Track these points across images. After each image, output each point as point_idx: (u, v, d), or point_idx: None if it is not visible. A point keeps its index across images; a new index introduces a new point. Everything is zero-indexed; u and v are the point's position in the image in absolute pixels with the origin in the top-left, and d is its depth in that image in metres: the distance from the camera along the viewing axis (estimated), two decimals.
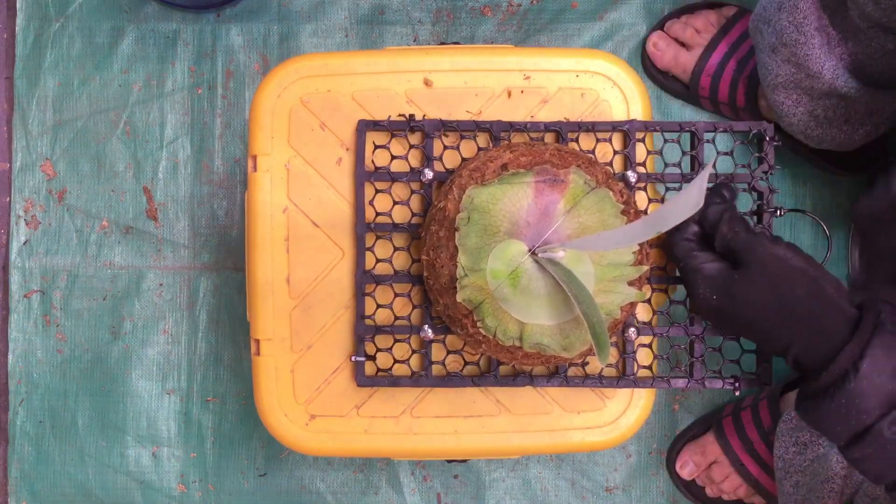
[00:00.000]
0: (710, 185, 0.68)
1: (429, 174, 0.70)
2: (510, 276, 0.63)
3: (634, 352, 0.71)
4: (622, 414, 0.73)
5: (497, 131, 0.70)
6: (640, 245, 0.65)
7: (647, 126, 0.71)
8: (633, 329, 0.70)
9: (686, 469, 0.99)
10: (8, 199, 1.03)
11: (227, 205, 1.03)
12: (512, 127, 0.70)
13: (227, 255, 1.03)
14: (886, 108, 0.84)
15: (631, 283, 0.65)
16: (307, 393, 0.72)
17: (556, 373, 0.71)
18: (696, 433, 1.00)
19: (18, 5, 1.03)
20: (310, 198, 0.71)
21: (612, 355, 0.71)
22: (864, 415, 0.60)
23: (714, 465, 0.98)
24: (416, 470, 1.03)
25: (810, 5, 0.79)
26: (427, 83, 0.71)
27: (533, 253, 0.63)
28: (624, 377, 0.71)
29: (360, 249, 0.70)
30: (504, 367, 0.71)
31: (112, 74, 1.03)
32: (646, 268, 0.65)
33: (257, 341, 0.71)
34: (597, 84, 0.72)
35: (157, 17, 1.03)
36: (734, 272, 0.63)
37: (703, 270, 0.64)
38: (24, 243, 1.03)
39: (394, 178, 0.70)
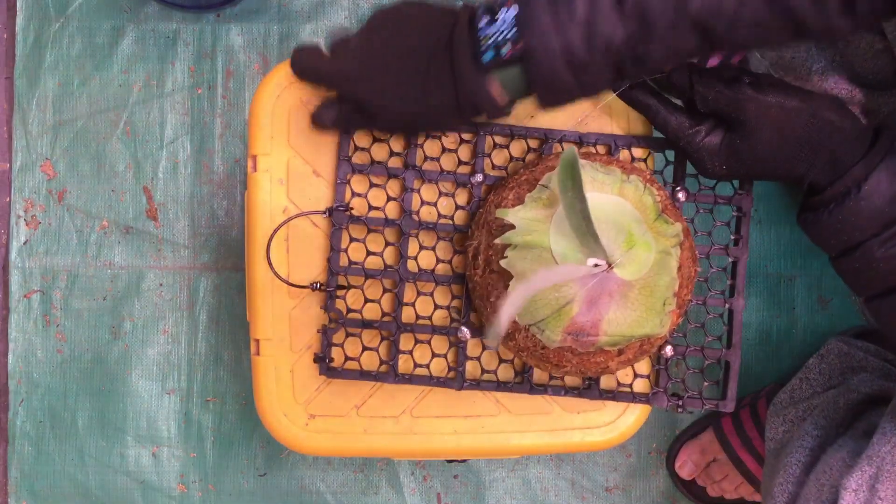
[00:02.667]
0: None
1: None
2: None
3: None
4: (622, 414, 0.73)
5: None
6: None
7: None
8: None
9: (685, 468, 0.99)
10: (8, 199, 1.03)
11: (227, 205, 1.03)
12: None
13: (227, 255, 1.03)
14: (882, 107, 0.84)
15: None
16: (307, 393, 0.72)
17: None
18: (696, 432, 1.00)
19: (18, 5, 1.03)
20: (310, 198, 0.71)
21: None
22: (857, 232, 0.63)
23: (713, 464, 0.98)
24: (416, 470, 1.03)
25: None
26: None
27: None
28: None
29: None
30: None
31: (112, 74, 1.03)
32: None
33: (257, 341, 0.71)
34: None
35: (157, 17, 1.03)
36: (734, 136, 0.63)
37: (704, 148, 0.64)
38: (24, 243, 1.03)
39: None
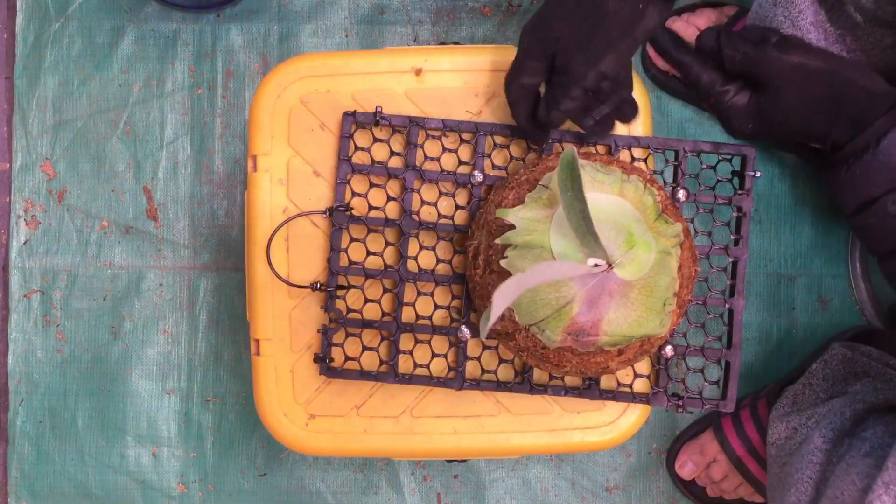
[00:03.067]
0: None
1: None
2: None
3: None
4: (622, 414, 0.73)
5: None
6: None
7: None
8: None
9: (685, 469, 0.99)
10: (8, 199, 1.03)
11: (227, 205, 1.03)
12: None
13: (227, 255, 1.03)
14: None
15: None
16: (307, 393, 0.72)
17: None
18: (696, 432, 1.00)
19: (18, 5, 1.03)
20: (310, 198, 0.71)
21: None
22: (872, 186, 0.64)
23: (713, 464, 0.98)
24: (416, 470, 1.03)
25: (805, 0, 0.80)
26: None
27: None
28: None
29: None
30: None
31: (112, 74, 1.03)
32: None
33: (257, 341, 0.71)
34: None
35: (157, 17, 1.03)
36: (760, 97, 0.65)
37: (732, 107, 0.66)
38: (24, 243, 1.03)
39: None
